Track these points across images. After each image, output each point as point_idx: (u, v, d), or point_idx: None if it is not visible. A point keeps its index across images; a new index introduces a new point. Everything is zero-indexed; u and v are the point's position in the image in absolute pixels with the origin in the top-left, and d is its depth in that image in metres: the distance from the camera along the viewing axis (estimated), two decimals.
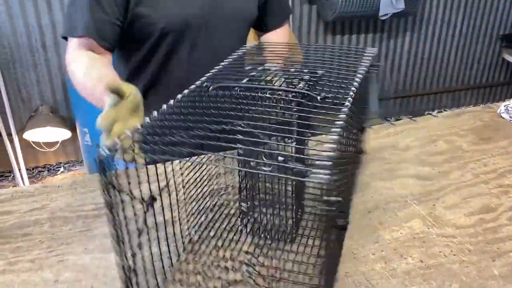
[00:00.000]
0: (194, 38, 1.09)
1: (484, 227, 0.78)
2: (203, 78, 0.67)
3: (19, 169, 2.58)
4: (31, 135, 2.52)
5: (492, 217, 0.81)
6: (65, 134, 2.59)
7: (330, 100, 0.58)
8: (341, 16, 2.82)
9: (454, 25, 3.41)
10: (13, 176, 2.63)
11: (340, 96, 0.60)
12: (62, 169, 2.78)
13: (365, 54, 0.78)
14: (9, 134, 2.57)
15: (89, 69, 0.95)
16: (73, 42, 1.01)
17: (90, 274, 0.68)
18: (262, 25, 1.28)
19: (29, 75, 2.58)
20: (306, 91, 0.60)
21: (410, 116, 1.26)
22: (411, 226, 0.79)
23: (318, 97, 0.58)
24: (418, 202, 0.86)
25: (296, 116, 0.64)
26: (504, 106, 1.24)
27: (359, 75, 0.66)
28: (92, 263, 0.71)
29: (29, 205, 0.86)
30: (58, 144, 2.69)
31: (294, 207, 0.71)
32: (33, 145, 2.63)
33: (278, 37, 1.27)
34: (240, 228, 0.77)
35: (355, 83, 0.63)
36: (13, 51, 2.50)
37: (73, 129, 2.59)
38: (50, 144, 2.68)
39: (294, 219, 0.72)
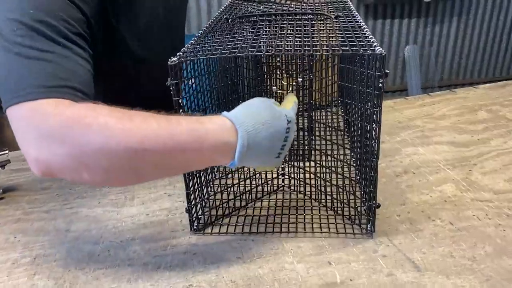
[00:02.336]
0: None
1: None
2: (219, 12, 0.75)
3: None
4: None
5: None
6: None
7: (343, 18, 0.57)
8: None
9: (507, 8, 3.21)
10: None
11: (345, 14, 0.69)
12: None
13: None
14: None
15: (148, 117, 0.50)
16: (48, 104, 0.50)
17: (101, 225, 0.67)
18: None
19: None
20: (321, 12, 0.60)
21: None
22: (443, 190, 0.72)
23: (333, 16, 0.58)
24: (452, 167, 0.79)
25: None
26: None
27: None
28: (104, 215, 0.70)
29: None
30: None
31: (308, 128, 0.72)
32: None
33: None
34: None
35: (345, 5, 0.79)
36: None
37: None
38: None
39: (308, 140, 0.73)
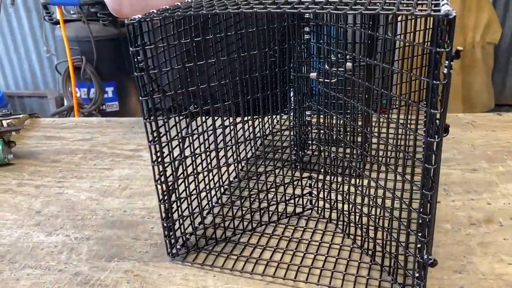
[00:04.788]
0: None
1: None
2: None
3: None
4: None
5: None
6: None
7: None
8: None
9: None
10: None
11: None
12: None
13: None
14: None
15: None
16: None
17: (71, 214, 0.58)
18: None
19: None
20: None
21: None
22: None
23: None
24: None
25: None
26: None
27: None
28: (83, 202, 0.60)
29: (81, 135, 0.82)
30: None
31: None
32: None
33: None
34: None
35: None
36: None
37: None
38: None
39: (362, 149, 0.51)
